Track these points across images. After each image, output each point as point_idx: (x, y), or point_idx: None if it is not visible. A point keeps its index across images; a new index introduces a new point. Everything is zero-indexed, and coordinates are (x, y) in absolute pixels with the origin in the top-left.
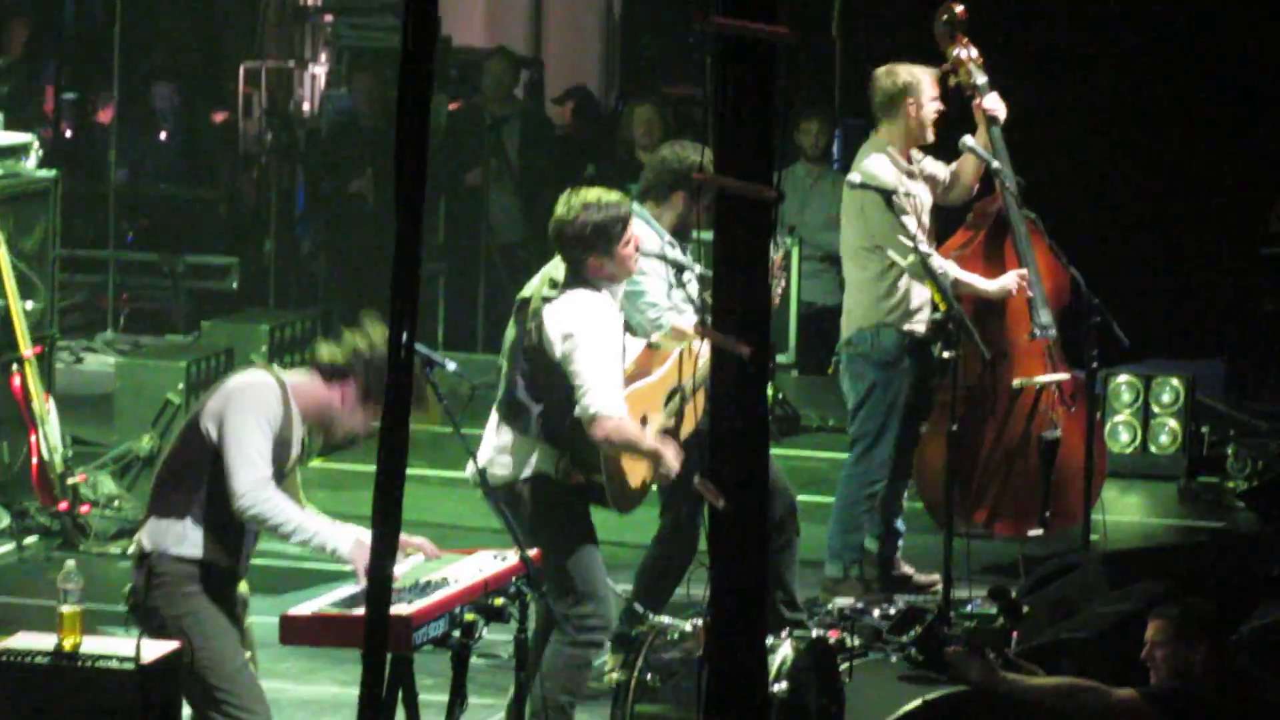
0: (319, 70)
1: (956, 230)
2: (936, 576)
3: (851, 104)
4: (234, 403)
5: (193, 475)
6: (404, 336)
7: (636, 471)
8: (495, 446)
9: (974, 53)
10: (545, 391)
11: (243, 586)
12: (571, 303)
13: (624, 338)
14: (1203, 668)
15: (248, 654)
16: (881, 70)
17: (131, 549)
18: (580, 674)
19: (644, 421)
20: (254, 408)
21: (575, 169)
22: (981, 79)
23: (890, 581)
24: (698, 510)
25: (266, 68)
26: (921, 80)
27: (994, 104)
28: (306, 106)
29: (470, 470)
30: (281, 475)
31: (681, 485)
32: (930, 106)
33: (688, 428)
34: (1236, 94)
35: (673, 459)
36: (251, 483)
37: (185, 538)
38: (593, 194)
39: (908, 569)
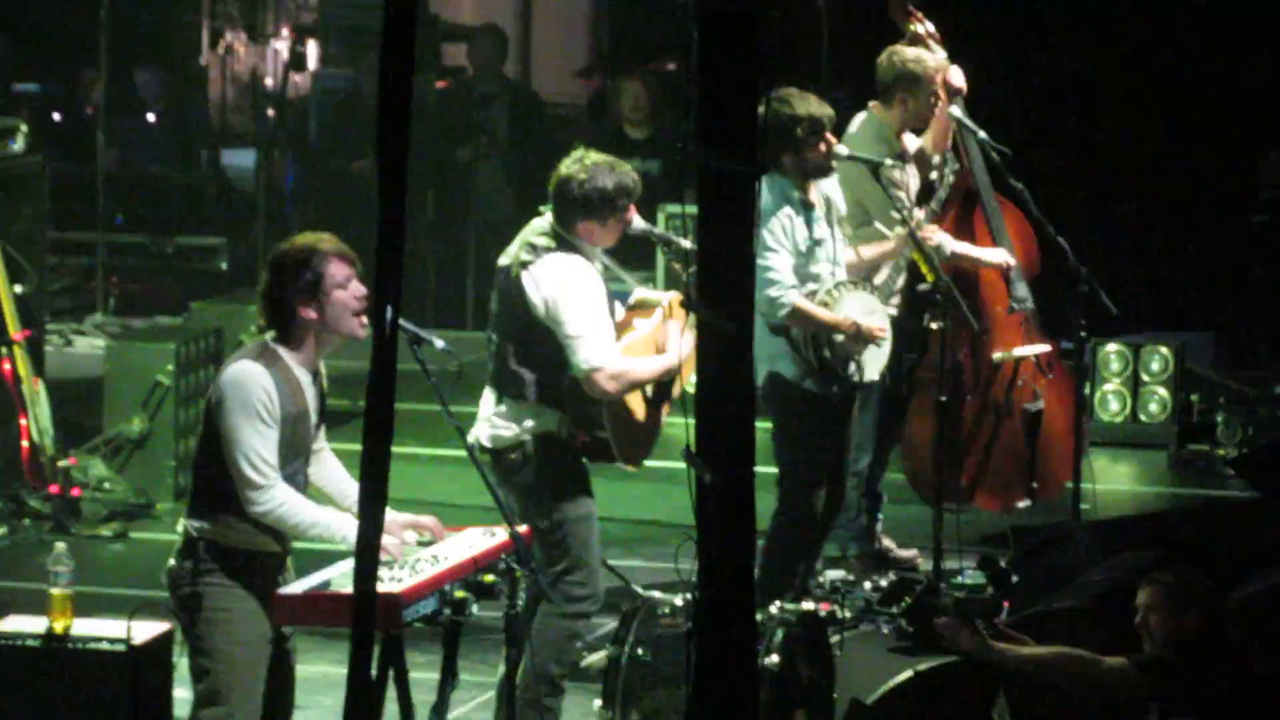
0: (280, 46)
1: (921, 206)
2: (915, 551)
3: (837, 77)
4: (225, 408)
5: (227, 465)
6: (389, 313)
7: (640, 418)
8: (494, 414)
9: (930, 27)
10: (537, 356)
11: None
12: (550, 265)
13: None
14: (1195, 636)
15: (288, 633)
16: (886, 52)
17: (179, 529)
18: (570, 644)
19: None
20: (243, 410)
21: (563, 145)
22: (941, 53)
23: (870, 555)
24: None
25: (234, 43)
26: (920, 76)
27: (955, 78)
28: (270, 82)
29: (473, 439)
30: (306, 450)
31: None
32: (926, 102)
33: (681, 379)
34: (1223, 61)
35: (675, 360)
36: (257, 490)
37: (231, 526)
38: (606, 159)
39: (888, 543)
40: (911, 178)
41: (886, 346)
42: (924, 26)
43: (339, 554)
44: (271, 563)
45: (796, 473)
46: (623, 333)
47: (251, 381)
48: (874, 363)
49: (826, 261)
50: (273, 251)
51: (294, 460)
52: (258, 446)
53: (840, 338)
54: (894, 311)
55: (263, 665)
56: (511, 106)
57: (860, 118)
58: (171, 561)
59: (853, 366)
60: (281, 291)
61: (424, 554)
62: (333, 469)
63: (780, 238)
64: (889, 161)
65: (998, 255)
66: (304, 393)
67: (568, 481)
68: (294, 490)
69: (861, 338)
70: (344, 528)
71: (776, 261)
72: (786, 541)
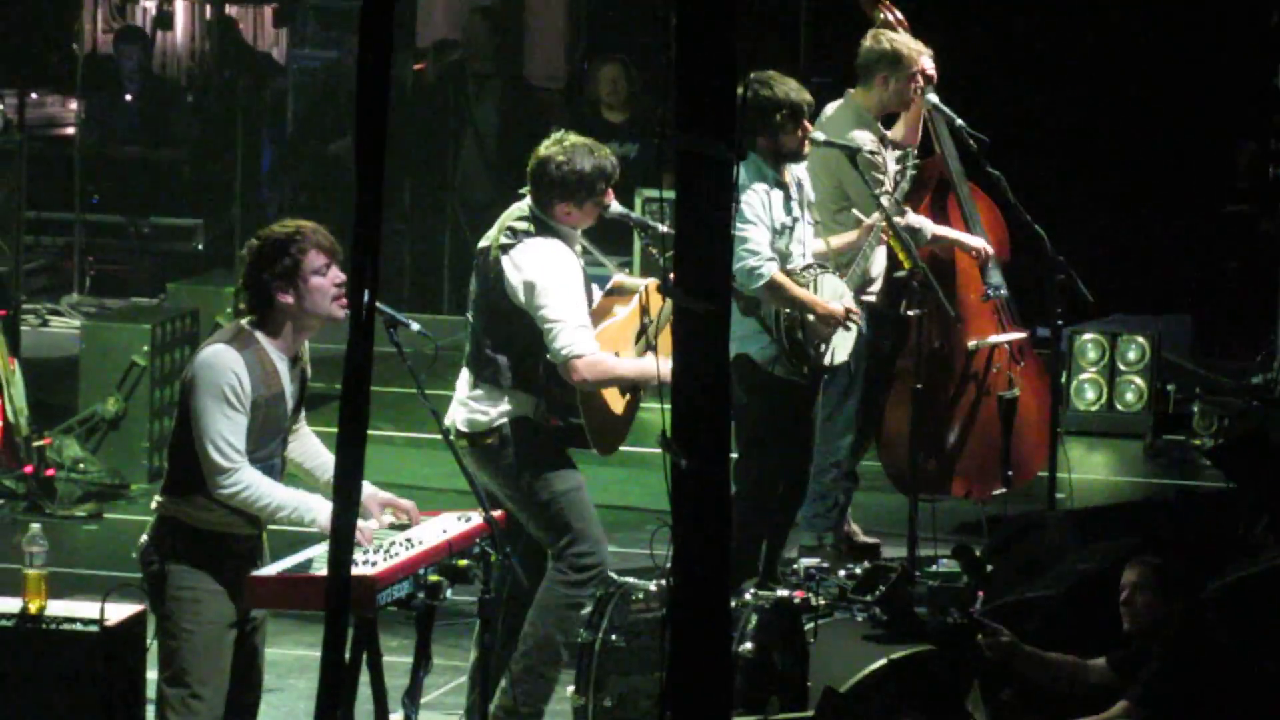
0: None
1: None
2: (878, 540)
3: (817, 62)
4: (195, 390)
5: None
6: (365, 297)
7: (616, 410)
8: (469, 397)
9: (898, 15)
10: (513, 340)
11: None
12: (530, 249)
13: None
14: (1179, 623)
15: (258, 616)
16: (870, 34)
17: (153, 505)
18: (573, 613)
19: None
20: (211, 392)
21: (542, 128)
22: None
23: (839, 540)
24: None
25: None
26: (903, 57)
27: (926, 65)
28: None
29: (449, 422)
30: (282, 432)
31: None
32: (907, 84)
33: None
34: (1201, 49)
35: (654, 370)
36: (221, 473)
37: (203, 507)
38: (586, 142)
39: (854, 527)
40: (892, 162)
41: (855, 330)
42: (893, 15)
43: (314, 536)
44: (243, 545)
45: (759, 455)
46: (601, 319)
47: (222, 364)
48: (843, 346)
49: (797, 243)
50: (254, 236)
51: (269, 443)
52: (224, 430)
53: (812, 318)
54: (873, 298)
55: (228, 646)
56: (504, 89)
57: (837, 103)
58: (143, 538)
59: (823, 349)
60: (259, 276)
61: (398, 538)
62: (311, 444)
63: (759, 211)
64: (867, 148)
65: (977, 240)
66: (279, 377)
67: (549, 458)
68: (261, 474)
69: (833, 320)
70: (313, 510)
71: (754, 234)
72: (748, 524)
